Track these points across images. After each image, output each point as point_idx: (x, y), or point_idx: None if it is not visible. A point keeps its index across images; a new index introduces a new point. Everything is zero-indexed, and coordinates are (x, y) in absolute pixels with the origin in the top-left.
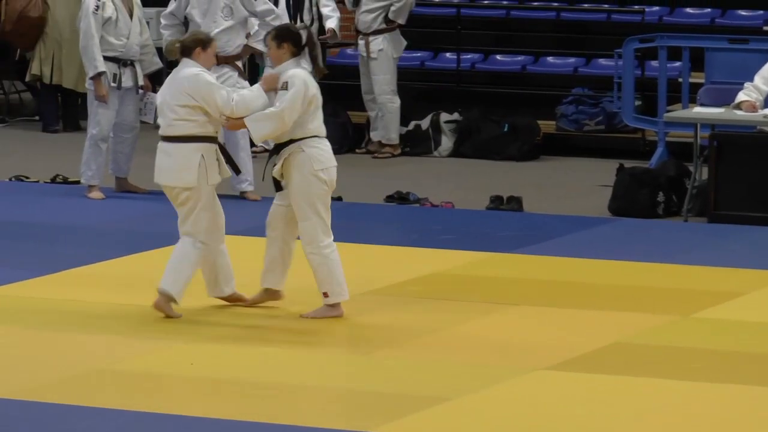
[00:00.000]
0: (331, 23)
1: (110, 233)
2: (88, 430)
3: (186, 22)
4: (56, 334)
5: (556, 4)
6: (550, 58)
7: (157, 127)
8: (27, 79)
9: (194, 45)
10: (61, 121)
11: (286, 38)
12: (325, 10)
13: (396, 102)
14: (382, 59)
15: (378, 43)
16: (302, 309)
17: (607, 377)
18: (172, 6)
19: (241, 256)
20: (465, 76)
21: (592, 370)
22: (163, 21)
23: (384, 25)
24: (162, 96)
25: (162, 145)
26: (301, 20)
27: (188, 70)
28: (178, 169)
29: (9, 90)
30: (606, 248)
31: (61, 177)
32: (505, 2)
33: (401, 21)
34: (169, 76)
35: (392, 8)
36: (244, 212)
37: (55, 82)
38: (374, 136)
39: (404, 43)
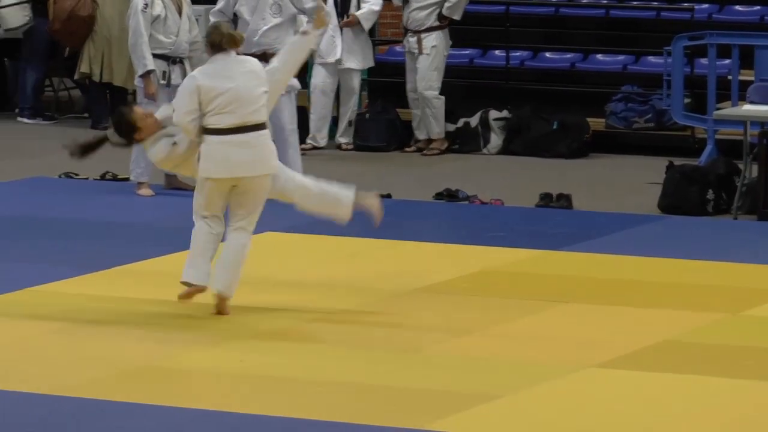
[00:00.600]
0: (359, 11)
1: (160, 230)
2: (141, 427)
3: (235, 19)
4: (107, 331)
5: (605, 1)
6: (599, 56)
7: None
8: (76, 77)
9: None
10: (110, 118)
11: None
12: (366, 5)
13: (441, 97)
14: (434, 56)
15: (431, 39)
16: (348, 306)
17: (656, 375)
18: (221, 3)
19: (287, 253)
20: (514, 73)
21: (642, 367)
22: (211, 18)
23: (437, 23)
24: (236, 85)
25: (237, 138)
26: (348, 17)
27: (248, 58)
28: (268, 157)
29: (58, 87)
30: (655, 246)
31: (110, 174)
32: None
33: (456, 17)
34: (221, 67)
35: (447, 4)
36: (294, 209)
37: (105, 80)
38: (419, 134)
39: (450, 41)
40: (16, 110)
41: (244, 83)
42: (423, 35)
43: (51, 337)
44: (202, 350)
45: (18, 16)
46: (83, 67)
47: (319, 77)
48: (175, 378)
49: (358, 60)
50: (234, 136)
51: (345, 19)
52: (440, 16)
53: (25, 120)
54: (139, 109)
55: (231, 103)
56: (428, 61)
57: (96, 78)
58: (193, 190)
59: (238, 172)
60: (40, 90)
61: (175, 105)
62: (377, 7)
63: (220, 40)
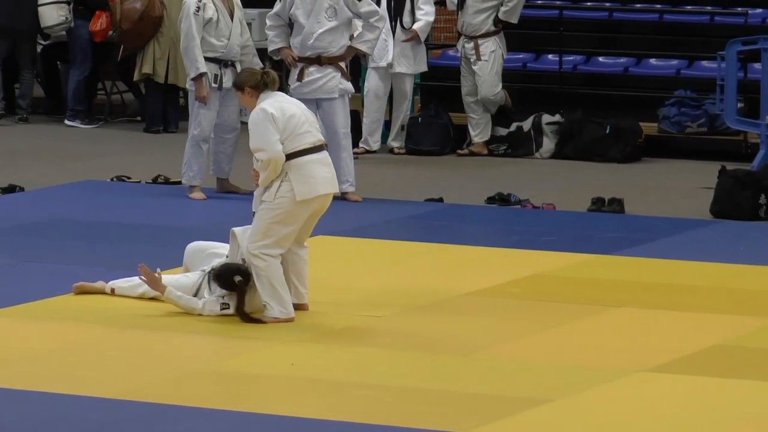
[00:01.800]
0: (416, 24)
1: (212, 234)
2: (191, 431)
3: (291, 23)
4: (157, 336)
5: (658, 6)
6: (652, 60)
7: None
8: (136, 78)
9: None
10: (162, 121)
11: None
12: (419, 13)
13: (503, 93)
14: (492, 61)
15: (489, 45)
16: (398, 309)
17: (708, 379)
18: (277, 7)
19: (338, 257)
20: (567, 77)
21: (694, 372)
22: (268, 22)
23: (493, 27)
24: (302, 111)
25: (323, 155)
26: (401, 23)
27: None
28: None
29: (111, 90)
30: (707, 251)
31: (162, 177)
32: (607, 4)
33: (514, 20)
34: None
35: (503, 9)
36: (347, 213)
37: (171, 82)
38: (478, 138)
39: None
40: None
41: (302, 107)
42: (480, 41)
43: (103, 340)
44: (254, 354)
45: (53, 15)
46: (146, 68)
47: (372, 81)
48: (227, 382)
49: (410, 64)
50: (316, 155)
51: (399, 25)
52: (496, 21)
53: (67, 122)
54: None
55: (304, 123)
56: (488, 67)
57: (160, 79)
58: (245, 193)
59: (329, 188)
60: (82, 93)
61: (259, 140)
62: (432, 18)
63: (265, 81)
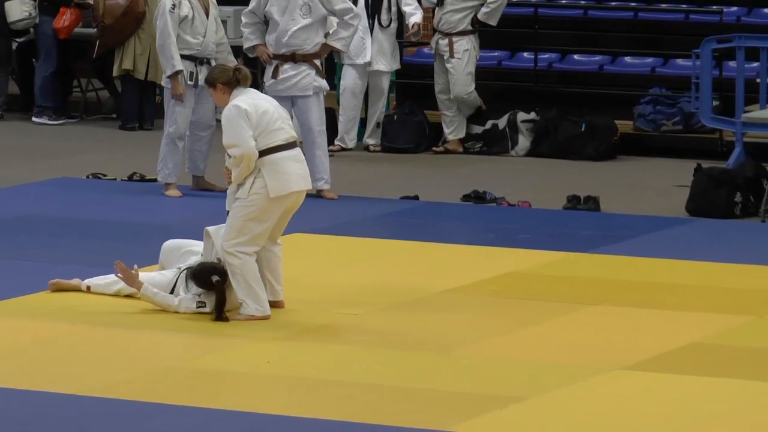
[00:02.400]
0: (416, 18)
1: (188, 231)
2: (165, 427)
3: (266, 20)
4: (135, 332)
5: (633, 4)
6: (627, 58)
7: None
8: (115, 73)
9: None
10: (138, 118)
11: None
12: (407, 9)
13: (475, 95)
14: (466, 60)
15: (463, 43)
16: (375, 307)
17: (684, 377)
18: (252, 4)
19: (314, 254)
20: (542, 75)
21: (670, 370)
22: (243, 19)
23: (470, 27)
24: (275, 108)
25: (296, 152)
26: (379, 21)
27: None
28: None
29: (86, 88)
30: (683, 248)
31: (138, 175)
32: (582, 2)
33: (492, 23)
34: (249, 96)
35: (484, 9)
36: (323, 211)
37: (150, 79)
38: (452, 135)
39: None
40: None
41: (275, 104)
42: (455, 38)
43: (78, 337)
44: (229, 351)
45: (17, 10)
46: (126, 64)
47: (349, 79)
48: (201, 379)
49: (387, 62)
50: (289, 151)
51: (377, 23)
52: (474, 21)
53: (34, 119)
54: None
55: (277, 119)
56: (462, 65)
57: (140, 76)
58: (220, 191)
59: (302, 185)
60: (49, 89)
61: (232, 136)
62: (421, 10)
63: (237, 77)
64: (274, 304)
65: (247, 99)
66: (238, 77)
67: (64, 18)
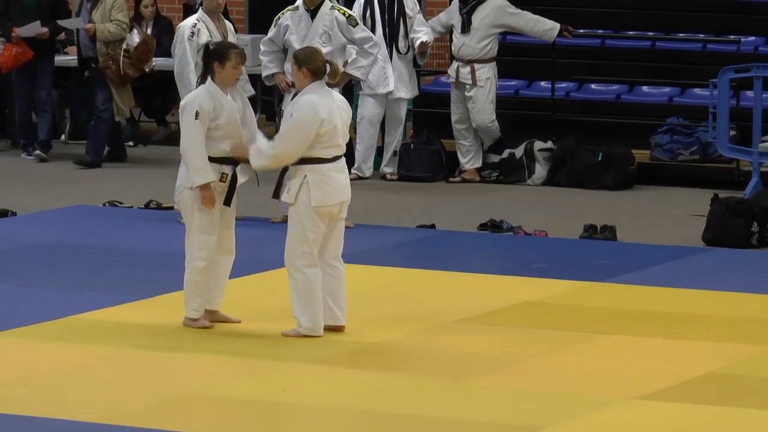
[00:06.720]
0: (425, 36)
1: None
2: None
3: (285, 49)
4: (151, 360)
5: (651, 33)
6: (644, 88)
7: None
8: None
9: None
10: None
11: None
12: (420, 32)
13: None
14: (488, 88)
15: (485, 71)
16: (391, 335)
17: (701, 407)
18: (271, 32)
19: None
20: (559, 104)
21: (686, 399)
22: (262, 47)
23: (491, 55)
24: (343, 123)
25: (342, 163)
26: (397, 48)
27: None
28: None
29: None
30: (700, 278)
31: (154, 203)
32: (600, 31)
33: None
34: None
35: (543, 28)
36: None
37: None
38: (469, 165)
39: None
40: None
41: (345, 117)
42: (477, 65)
43: (95, 365)
44: (244, 379)
45: None
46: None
47: (367, 108)
48: (214, 407)
49: (407, 89)
50: (336, 163)
51: (395, 50)
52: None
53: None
54: None
55: (339, 136)
56: (484, 93)
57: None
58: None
59: (344, 196)
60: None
61: (291, 137)
62: (432, 35)
63: (324, 68)
64: (334, 329)
65: (326, 104)
66: (325, 70)
67: (8, 52)
